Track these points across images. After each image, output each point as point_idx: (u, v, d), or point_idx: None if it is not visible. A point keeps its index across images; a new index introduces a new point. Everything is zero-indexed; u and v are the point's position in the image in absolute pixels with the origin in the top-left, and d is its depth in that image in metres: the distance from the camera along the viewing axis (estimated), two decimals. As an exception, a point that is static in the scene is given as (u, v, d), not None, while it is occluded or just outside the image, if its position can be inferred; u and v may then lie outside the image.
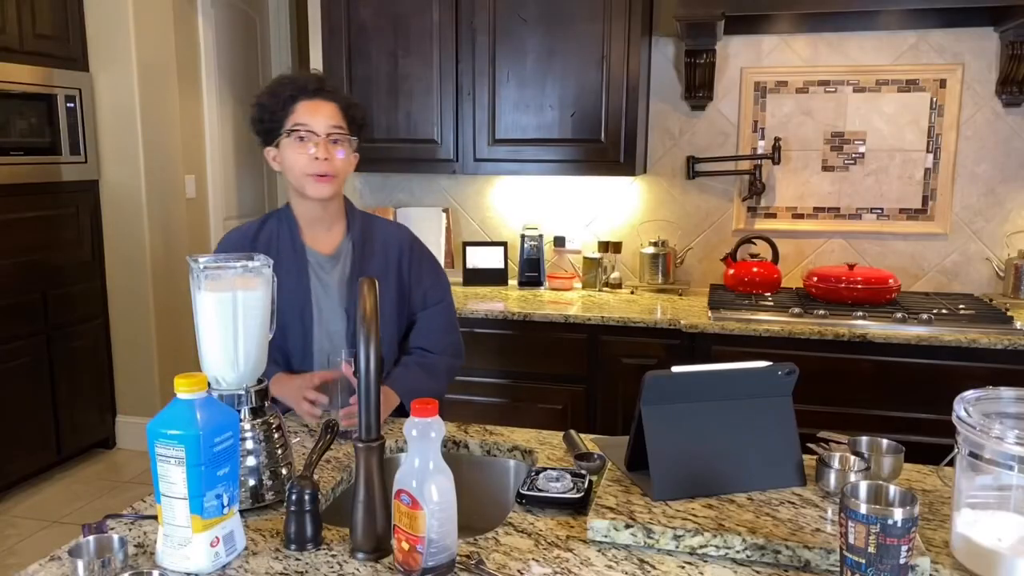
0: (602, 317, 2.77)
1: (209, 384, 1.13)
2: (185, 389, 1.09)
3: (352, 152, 1.76)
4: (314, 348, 1.79)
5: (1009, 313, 2.62)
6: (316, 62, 3.54)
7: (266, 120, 1.74)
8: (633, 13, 2.88)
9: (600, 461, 1.41)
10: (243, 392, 1.29)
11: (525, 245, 3.33)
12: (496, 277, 3.38)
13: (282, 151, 1.72)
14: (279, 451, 1.32)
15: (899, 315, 2.59)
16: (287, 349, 1.79)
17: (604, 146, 2.98)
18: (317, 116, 1.69)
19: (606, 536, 1.18)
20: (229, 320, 1.27)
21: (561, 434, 1.61)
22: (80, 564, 1.05)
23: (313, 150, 1.68)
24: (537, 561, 1.13)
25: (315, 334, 1.78)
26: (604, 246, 3.28)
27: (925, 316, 2.56)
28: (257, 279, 1.31)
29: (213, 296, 1.27)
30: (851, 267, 2.82)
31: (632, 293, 3.19)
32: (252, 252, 1.67)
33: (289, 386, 1.67)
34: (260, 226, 1.81)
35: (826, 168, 3.16)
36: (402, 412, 1.75)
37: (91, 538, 1.11)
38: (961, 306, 2.73)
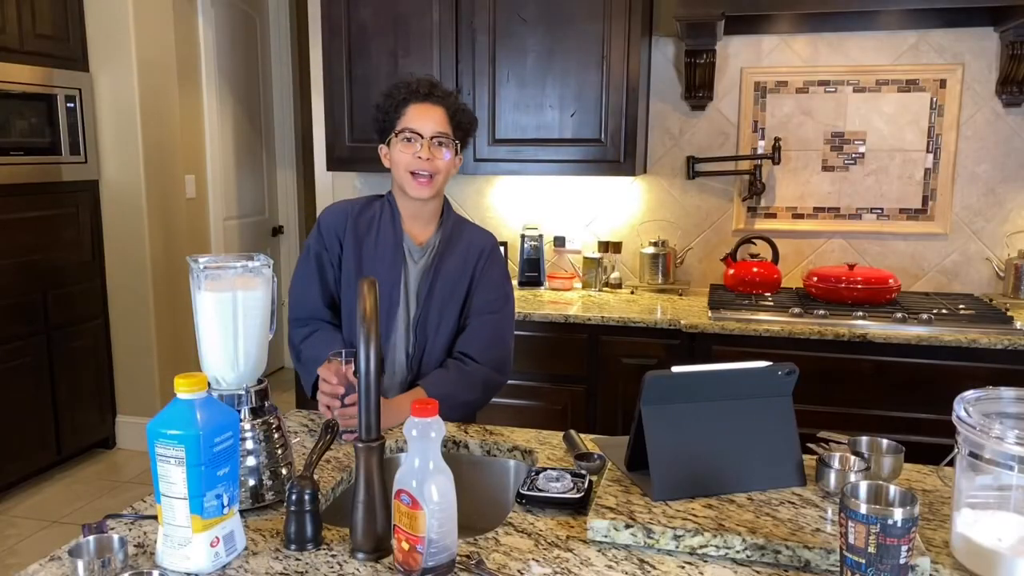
0: (602, 317, 2.77)
1: (209, 384, 1.13)
2: (185, 389, 1.09)
3: (456, 156, 1.85)
4: (396, 326, 1.86)
5: (1009, 313, 2.62)
6: (316, 62, 3.54)
7: (380, 120, 1.85)
8: (633, 13, 2.88)
9: (600, 461, 1.41)
10: (243, 392, 1.29)
11: (525, 245, 3.33)
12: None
13: (391, 150, 1.84)
14: (279, 451, 1.32)
15: (899, 315, 2.59)
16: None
17: (604, 146, 2.99)
18: (425, 119, 1.79)
19: (606, 536, 1.18)
20: (229, 320, 1.27)
21: (561, 434, 1.61)
22: (80, 564, 1.05)
23: (418, 149, 1.78)
24: (537, 561, 1.13)
25: (399, 313, 1.86)
26: (604, 246, 3.28)
27: (925, 316, 2.56)
28: (257, 279, 1.31)
29: (213, 296, 1.27)
30: (851, 267, 2.82)
31: (632, 293, 3.19)
32: (354, 226, 1.87)
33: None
34: (365, 204, 1.92)
35: (826, 168, 3.16)
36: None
37: (91, 538, 1.11)
38: (961, 306, 2.73)
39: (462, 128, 1.85)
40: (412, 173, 1.79)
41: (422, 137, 1.78)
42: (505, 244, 3.39)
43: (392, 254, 1.85)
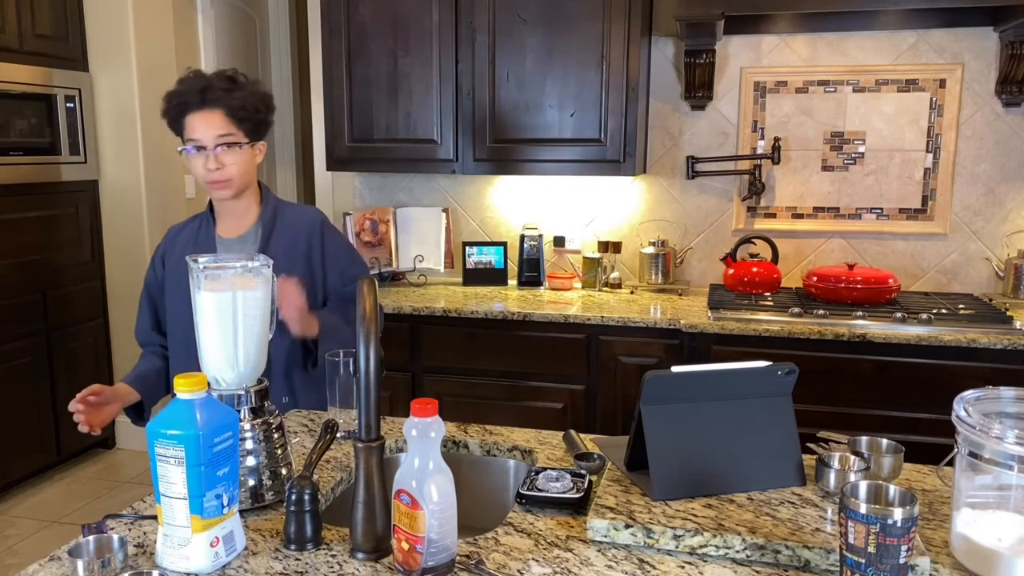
0: (602, 317, 2.77)
1: (209, 384, 1.13)
2: (185, 389, 1.09)
3: (252, 146, 1.84)
4: None
5: (1009, 313, 2.62)
6: (316, 62, 3.54)
7: (171, 128, 1.85)
8: (633, 13, 2.88)
9: (600, 461, 1.41)
10: (243, 392, 1.29)
11: (525, 245, 3.33)
12: (496, 277, 3.38)
13: (187, 158, 1.83)
14: (279, 451, 1.32)
15: (899, 315, 2.59)
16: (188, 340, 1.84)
17: (604, 146, 2.98)
18: (204, 128, 1.77)
19: (606, 536, 1.18)
20: (229, 320, 1.27)
21: (561, 434, 1.61)
22: (80, 564, 1.05)
23: (205, 160, 1.78)
24: (537, 561, 1.13)
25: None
26: (604, 246, 3.28)
27: (925, 316, 2.56)
28: (257, 279, 1.31)
29: (213, 296, 1.27)
30: (851, 267, 2.82)
31: (632, 293, 3.19)
32: (172, 246, 1.92)
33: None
34: (187, 223, 1.97)
35: (826, 168, 3.16)
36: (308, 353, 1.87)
37: (91, 538, 1.11)
38: (961, 306, 2.73)
39: (249, 119, 1.82)
40: (208, 182, 1.81)
41: (205, 147, 1.78)
42: (505, 244, 3.39)
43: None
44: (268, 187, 1.99)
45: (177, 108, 1.80)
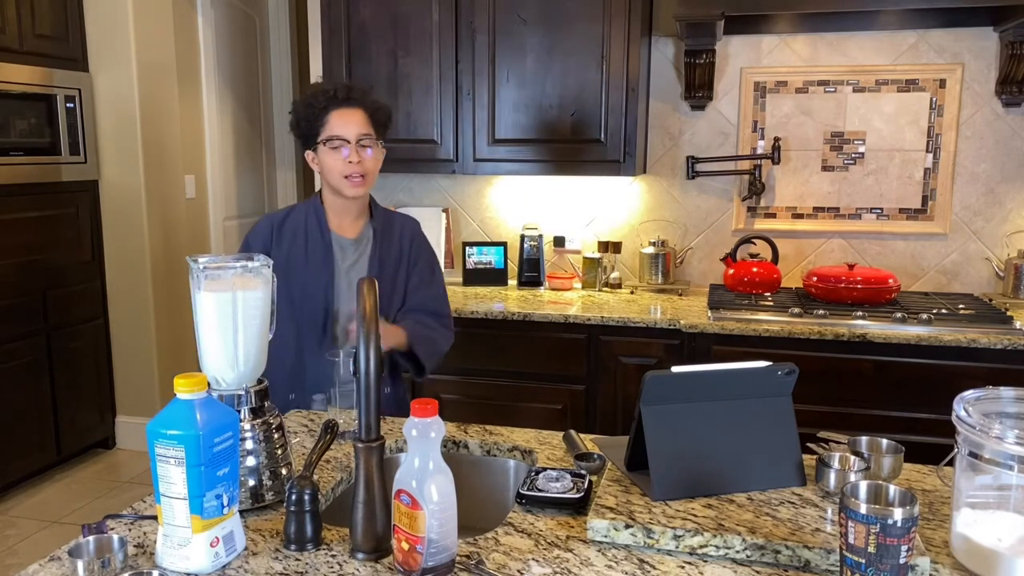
0: (602, 317, 2.77)
1: (209, 384, 1.13)
2: (185, 389, 1.09)
3: (380, 151, 1.96)
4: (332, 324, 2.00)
5: (1009, 313, 2.62)
6: (316, 62, 3.54)
7: (303, 126, 1.94)
8: (633, 13, 2.88)
9: (600, 461, 1.41)
10: (243, 392, 1.29)
11: (525, 245, 3.33)
12: (496, 277, 3.38)
13: (320, 156, 1.93)
14: (279, 451, 1.32)
15: (899, 315, 2.59)
16: (302, 327, 1.94)
17: (604, 146, 2.98)
18: (348, 124, 1.89)
19: (606, 536, 1.18)
20: (229, 320, 1.27)
21: (561, 434, 1.61)
22: (80, 564, 1.05)
23: (347, 154, 1.89)
24: (537, 561, 1.13)
25: (335, 309, 1.98)
26: (604, 246, 3.28)
27: (925, 316, 2.56)
28: (257, 279, 1.31)
29: (213, 296, 1.27)
30: (851, 267, 2.82)
31: (632, 293, 3.19)
32: (277, 242, 1.95)
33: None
34: (287, 214, 2.01)
35: (826, 168, 3.16)
36: (411, 359, 1.98)
37: (91, 538, 1.11)
38: (961, 306, 2.73)
39: (381, 124, 1.97)
40: (346, 176, 1.90)
41: (348, 142, 1.89)
42: (505, 244, 3.39)
43: (322, 255, 1.96)
44: (373, 196, 2.09)
45: (324, 103, 1.89)
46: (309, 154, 1.97)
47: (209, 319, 1.27)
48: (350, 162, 1.89)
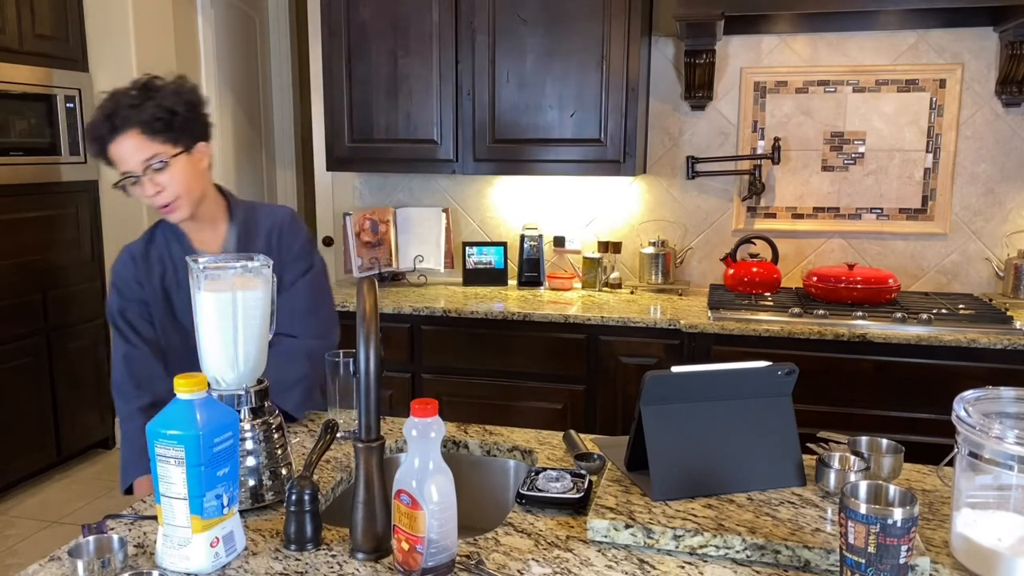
0: (602, 317, 2.77)
1: (209, 384, 1.13)
2: (185, 389, 1.09)
3: (183, 161, 1.65)
4: None
5: (1009, 313, 2.62)
6: (316, 62, 3.54)
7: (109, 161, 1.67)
8: (633, 13, 2.88)
9: (600, 461, 1.41)
10: (243, 392, 1.29)
11: (525, 245, 3.33)
12: (496, 277, 3.38)
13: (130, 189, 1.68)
14: (279, 451, 1.32)
15: (899, 315, 2.59)
16: (182, 362, 1.70)
17: (604, 146, 2.98)
18: (126, 158, 1.62)
19: (606, 536, 1.18)
20: (229, 320, 1.27)
21: (561, 434, 1.61)
22: (80, 564, 1.05)
23: (141, 190, 1.64)
24: (537, 561, 1.13)
25: None
26: (604, 246, 3.28)
27: (925, 316, 2.56)
28: (257, 279, 1.31)
29: (213, 296, 1.27)
30: (851, 267, 2.82)
31: (632, 293, 3.19)
32: (146, 272, 1.75)
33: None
34: (147, 241, 1.79)
35: (826, 168, 3.16)
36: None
37: (91, 538, 1.11)
38: (961, 306, 2.73)
39: (170, 127, 1.62)
40: (159, 208, 1.67)
41: (136, 175, 1.62)
42: (505, 244, 3.39)
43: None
44: (229, 190, 1.86)
45: (95, 147, 1.64)
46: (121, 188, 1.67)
47: (209, 319, 1.27)
48: (148, 195, 1.64)
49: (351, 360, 1.57)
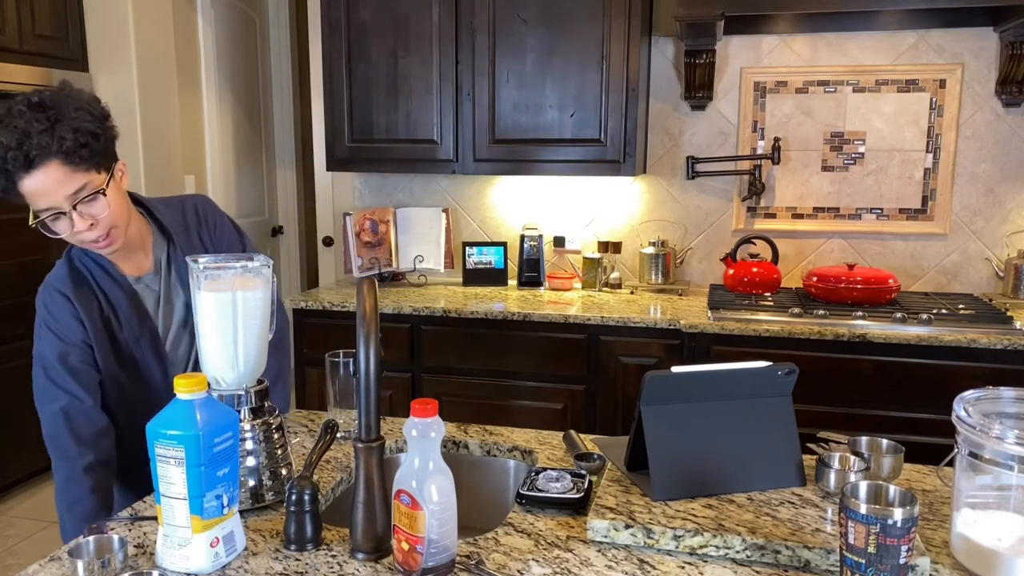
0: (602, 317, 2.77)
1: (209, 384, 1.13)
2: (185, 389, 1.09)
3: (115, 183, 1.50)
4: (178, 358, 1.65)
5: (1009, 313, 2.62)
6: (316, 62, 3.54)
7: (10, 195, 1.44)
8: (633, 13, 2.88)
9: (600, 461, 1.41)
10: (243, 392, 1.29)
11: (525, 245, 3.33)
12: (496, 277, 3.38)
13: (47, 225, 1.46)
14: (279, 451, 1.32)
15: (899, 315, 2.59)
16: (134, 400, 1.59)
17: (604, 146, 2.98)
18: (50, 191, 1.40)
19: (606, 536, 1.18)
20: (229, 320, 1.27)
21: (561, 434, 1.61)
22: (80, 564, 1.05)
23: (71, 226, 1.44)
24: (537, 561, 1.13)
25: (180, 344, 1.65)
26: (604, 246, 3.28)
27: (925, 316, 2.56)
28: (257, 279, 1.31)
29: (213, 296, 1.27)
30: (851, 267, 2.82)
31: (632, 293, 3.19)
32: (85, 309, 1.54)
33: None
34: (67, 275, 1.58)
35: (826, 168, 3.16)
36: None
37: (91, 538, 1.11)
38: (961, 306, 2.73)
39: (92, 152, 1.41)
40: (91, 242, 1.47)
41: (63, 211, 1.42)
42: (505, 244, 3.39)
43: (130, 306, 1.57)
44: (139, 195, 1.69)
45: (4, 178, 1.40)
46: (37, 227, 1.46)
47: (209, 319, 1.27)
48: (80, 232, 1.44)
49: (351, 360, 1.57)
